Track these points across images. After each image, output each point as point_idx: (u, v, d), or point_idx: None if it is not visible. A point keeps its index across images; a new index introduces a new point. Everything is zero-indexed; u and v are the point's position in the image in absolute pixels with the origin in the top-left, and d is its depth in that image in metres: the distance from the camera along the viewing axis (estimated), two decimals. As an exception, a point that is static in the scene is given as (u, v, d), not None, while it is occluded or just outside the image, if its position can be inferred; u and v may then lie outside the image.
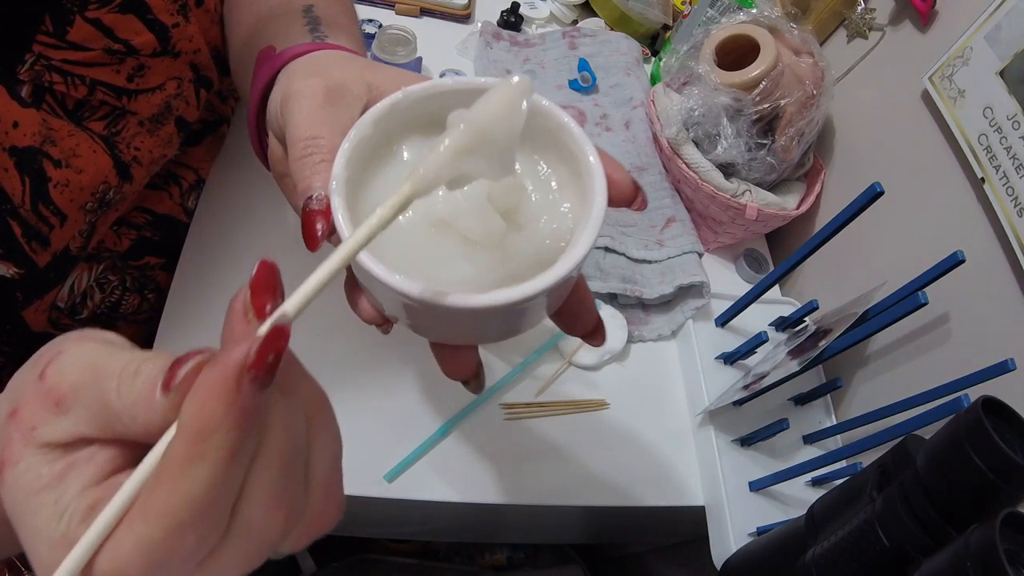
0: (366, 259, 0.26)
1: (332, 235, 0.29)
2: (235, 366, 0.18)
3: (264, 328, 0.19)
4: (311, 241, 0.29)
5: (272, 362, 0.19)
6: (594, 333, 0.35)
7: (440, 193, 0.28)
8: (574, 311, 0.34)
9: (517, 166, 0.31)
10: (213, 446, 0.18)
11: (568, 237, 0.30)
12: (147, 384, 0.20)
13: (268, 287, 0.20)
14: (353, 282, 0.32)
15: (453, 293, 0.26)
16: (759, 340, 0.64)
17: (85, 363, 0.21)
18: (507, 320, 0.30)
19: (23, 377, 0.22)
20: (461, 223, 0.28)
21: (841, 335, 0.56)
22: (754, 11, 0.73)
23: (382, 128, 0.30)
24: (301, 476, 0.22)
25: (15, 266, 0.42)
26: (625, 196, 0.31)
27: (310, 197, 0.29)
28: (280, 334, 0.19)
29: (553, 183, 0.32)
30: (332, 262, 0.21)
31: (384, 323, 0.32)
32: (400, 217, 0.26)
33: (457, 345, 0.33)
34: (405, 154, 0.31)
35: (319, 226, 0.29)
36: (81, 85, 0.43)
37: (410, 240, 0.29)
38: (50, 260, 0.44)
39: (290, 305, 0.20)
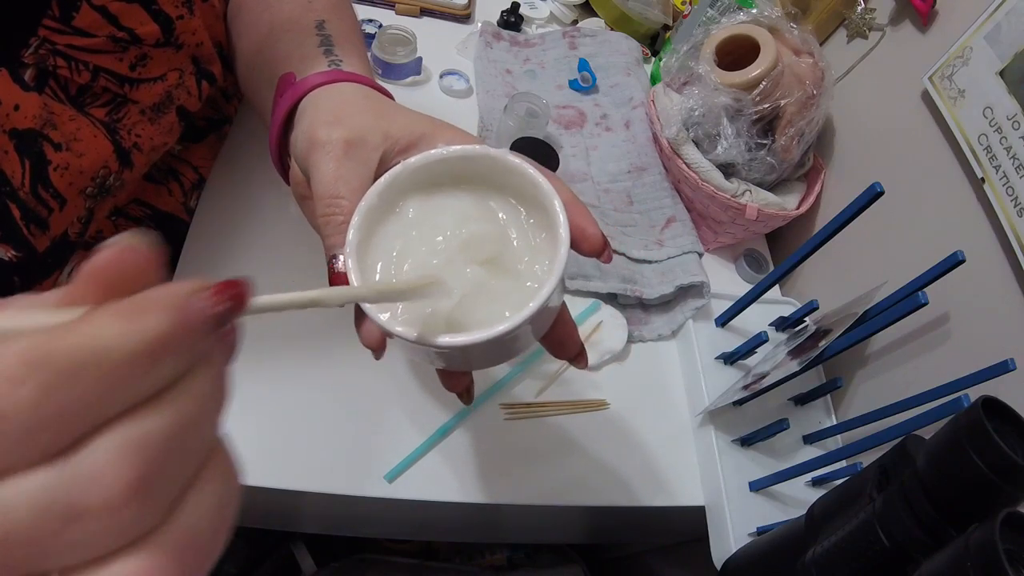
0: (373, 311, 0.32)
1: None
2: (191, 286, 0.17)
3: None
4: None
5: (228, 307, 0.17)
6: (578, 357, 0.40)
7: (423, 249, 0.35)
8: (560, 339, 0.39)
9: (502, 215, 0.37)
10: (149, 319, 0.16)
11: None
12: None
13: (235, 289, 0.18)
14: (360, 314, 0.36)
15: (438, 335, 0.31)
16: (759, 340, 0.64)
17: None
18: (489, 352, 0.35)
19: None
20: (446, 279, 0.33)
21: (841, 335, 0.56)
22: (754, 11, 0.73)
23: (386, 197, 0.36)
24: (181, 472, 0.17)
25: (13, 249, 0.42)
26: (595, 248, 0.35)
27: (334, 256, 0.35)
28: (243, 288, 0.18)
29: (535, 230, 0.36)
30: (307, 295, 0.22)
31: (379, 349, 0.36)
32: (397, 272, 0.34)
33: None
34: (410, 212, 0.36)
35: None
36: (85, 71, 0.43)
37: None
38: (49, 245, 0.44)
39: (260, 300, 0.20)
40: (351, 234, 0.34)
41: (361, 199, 0.35)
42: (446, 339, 0.31)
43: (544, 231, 0.36)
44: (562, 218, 0.33)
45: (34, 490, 0.15)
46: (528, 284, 0.34)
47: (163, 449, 0.16)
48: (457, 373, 0.41)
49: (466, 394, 0.41)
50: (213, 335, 0.17)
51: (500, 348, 0.34)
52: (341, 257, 0.35)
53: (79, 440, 0.15)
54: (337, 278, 0.35)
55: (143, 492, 0.16)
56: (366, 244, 0.35)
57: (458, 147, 0.36)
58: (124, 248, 0.17)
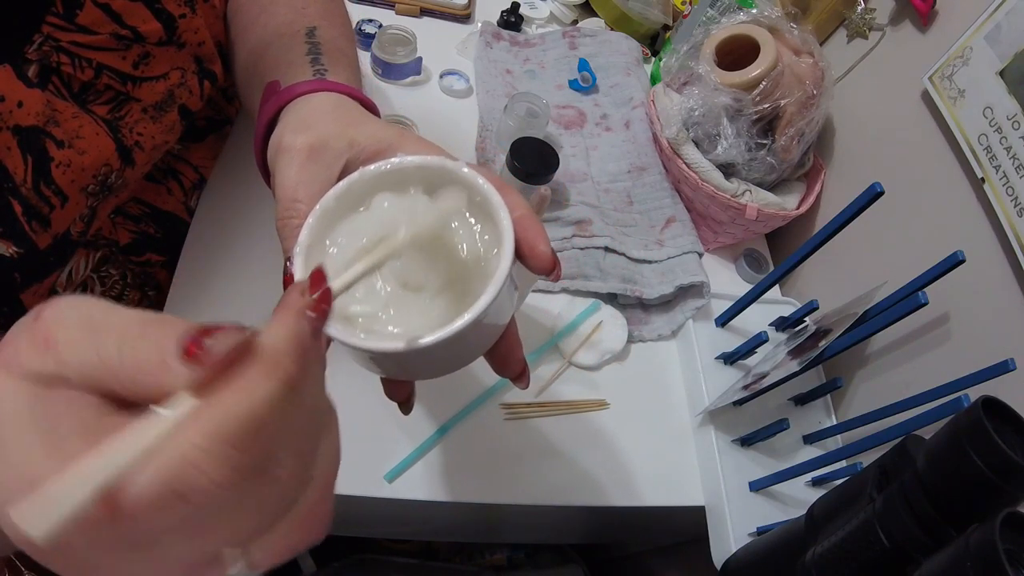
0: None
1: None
2: (298, 304, 0.22)
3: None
4: None
5: (323, 312, 0.23)
6: (520, 377, 0.40)
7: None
8: (502, 357, 0.39)
9: (458, 227, 0.36)
10: (282, 367, 0.20)
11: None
12: (155, 348, 0.19)
13: (319, 283, 0.24)
14: None
15: (367, 340, 0.31)
16: (759, 340, 0.64)
17: (82, 314, 0.20)
18: (422, 363, 0.35)
19: (18, 325, 0.21)
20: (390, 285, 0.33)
21: (841, 335, 0.56)
22: (754, 11, 0.73)
23: (343, 201, 0.35)
24: (313, 454, 0.22)
25: (15, 245, 0.42)
26: (543, 266, 0.35)
27: (288, 259, 0.35)
28: (327, 292, 0.24)
29: (488, 245, 0.36)
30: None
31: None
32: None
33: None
34: (366, 217, 0.36)
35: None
36: (88, 68, 0.43)
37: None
38: (50, 242, 0.44)
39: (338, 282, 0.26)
40: (303, 235, 0.34)
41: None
42: (372, 343, 0.31)
43: (496, 246, 0.35)
44: (507, 235, 0.33)
45: (247, 502, 0.19)
46: (468, 300, 0.34)
47: (307, 439, 0.22)
48: (397, 382, 0.41)
49: (405, 405, 0.42)
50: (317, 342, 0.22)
51: (433, 360, 0.34)
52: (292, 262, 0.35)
53: (266, 459, 0.20)
54: (289, 280, 0.35)
55: (301, 470, 0.21)
56: (319, 246, 0.35)
57: (416, 156, 0.36)
58: (246, 339, 0.20)
